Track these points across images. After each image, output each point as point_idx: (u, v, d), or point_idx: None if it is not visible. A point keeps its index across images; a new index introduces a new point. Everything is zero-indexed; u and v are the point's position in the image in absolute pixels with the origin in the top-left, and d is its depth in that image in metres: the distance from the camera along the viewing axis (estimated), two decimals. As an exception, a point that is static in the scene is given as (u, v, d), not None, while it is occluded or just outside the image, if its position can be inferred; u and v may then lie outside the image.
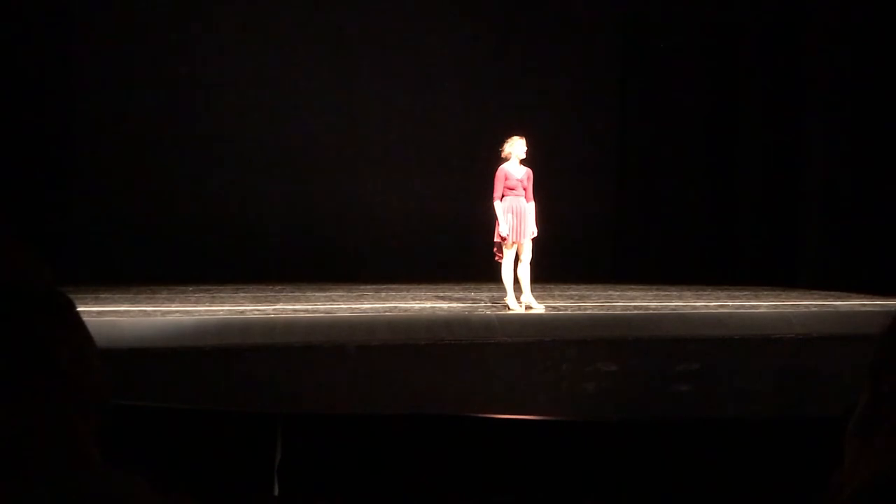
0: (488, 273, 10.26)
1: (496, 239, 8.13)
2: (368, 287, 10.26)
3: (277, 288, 10.15)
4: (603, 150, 13.05)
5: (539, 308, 8.11)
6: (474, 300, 9.14)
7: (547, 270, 8.88)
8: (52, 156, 11.24)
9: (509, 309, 8.11)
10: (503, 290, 8.23)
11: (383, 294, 9.60)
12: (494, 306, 8.46)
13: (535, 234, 8.14)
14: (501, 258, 8.12)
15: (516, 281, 8.15)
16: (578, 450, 2.32)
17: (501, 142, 8.27)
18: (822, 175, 11.53)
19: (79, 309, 0.92)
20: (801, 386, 7.11)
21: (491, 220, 8.20)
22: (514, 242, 8.04)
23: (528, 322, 7.57)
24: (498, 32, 12.60)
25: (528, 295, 8.15)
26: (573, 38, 12.75)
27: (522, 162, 8.19)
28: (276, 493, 2.23)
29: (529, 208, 8.12)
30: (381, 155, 12.38)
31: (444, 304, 8.79)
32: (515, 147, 8.13)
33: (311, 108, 12.24)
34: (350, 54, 12.28)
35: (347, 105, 12.42)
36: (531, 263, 8.17)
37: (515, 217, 8.03)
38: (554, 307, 8.44)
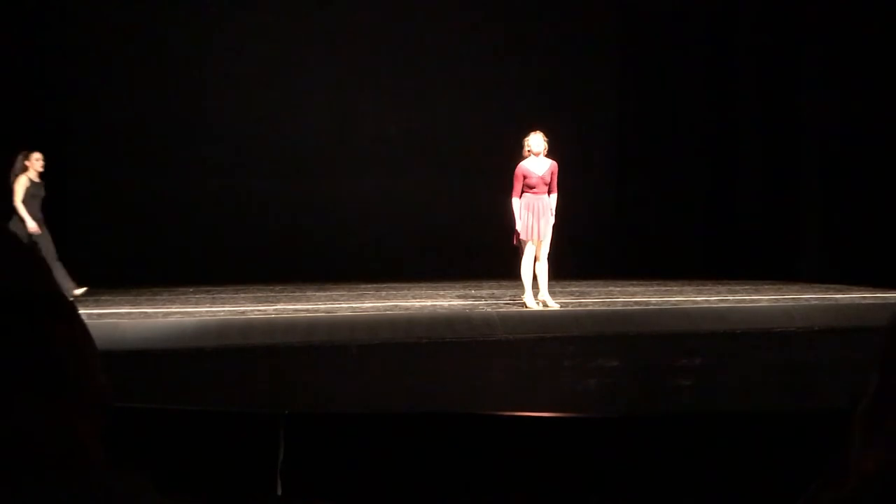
0: (488, 270, 10.28)
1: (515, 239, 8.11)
2: (369, 286, 10.26)
3: (278, 288, 10.15)
4: (602, 145, 13.04)
5: (554, 306, 8.07)
6: (475, 298, 9.14)
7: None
8: (51, 158, 11.23)
9: (526, 307, 8.06)
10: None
11: (384, 293, 9.60)
12: (495, 303, 8.46)
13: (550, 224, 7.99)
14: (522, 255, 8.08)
15: (534, 278, 8.10)
16: (580, 446, 2.32)
17: (510, 139, 8.19)
18: (823, 168, 11.52)
19: (79, 311, 0.92)
20: (803, 379, 7.12)
21: (509, 217, 8.12)
22: (528, 240, 7.98)
23: (529, 319, 7.57)
24: (497, 31, 12.59)
25: (544, 293, 8.11)
26: (572, 34, 12.74)
27: (548, 155, 8.01)
28: (279, 493, 2.24)
29: (548, 205, 7.95)
30: (380, 154, 12.37)
31: (445, 303, 8.78)
32: (529, 142, 7.94)
33: (311, 107, 12.24)
34: (349, 54, 12.27)
35: (347, 104, 12.42)
36: (548, 259, 8.09)
37: (532, 215, 7.94)
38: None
